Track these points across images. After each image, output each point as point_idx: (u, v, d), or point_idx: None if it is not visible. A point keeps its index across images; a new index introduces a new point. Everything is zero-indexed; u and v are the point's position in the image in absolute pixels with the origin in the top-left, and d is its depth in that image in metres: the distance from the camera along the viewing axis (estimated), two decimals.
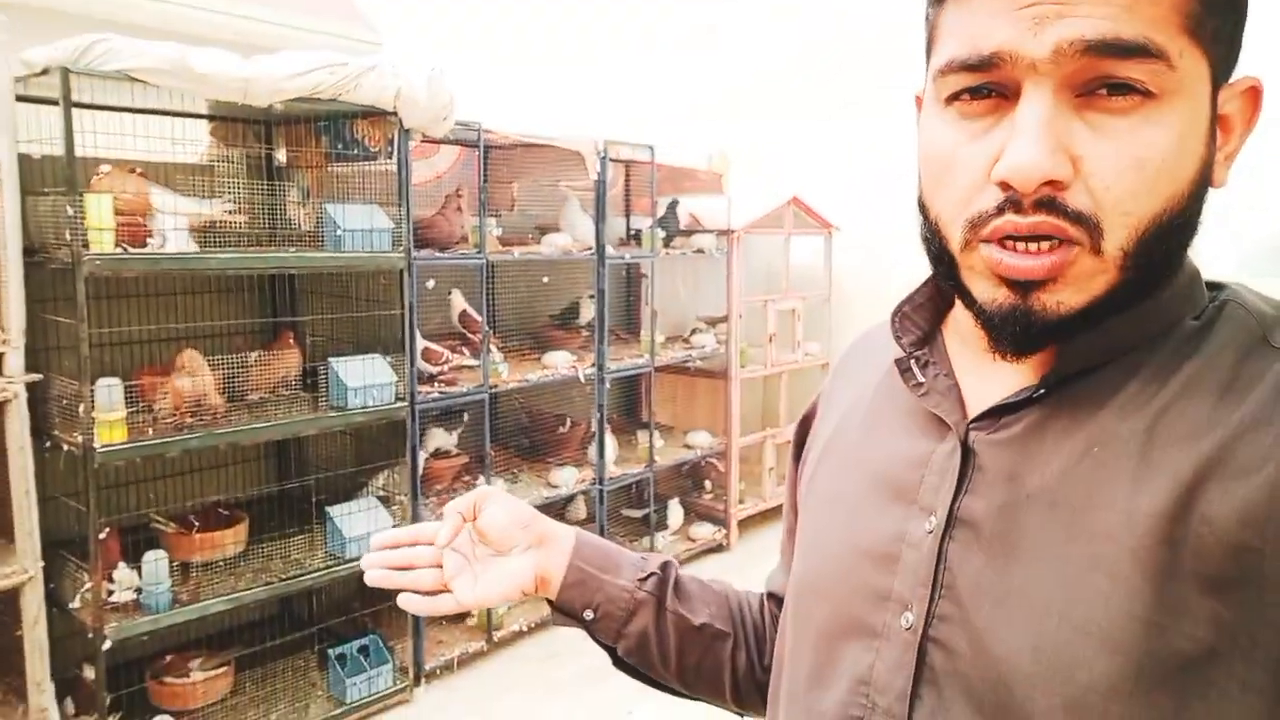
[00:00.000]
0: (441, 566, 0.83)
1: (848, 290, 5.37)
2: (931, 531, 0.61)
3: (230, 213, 2.88)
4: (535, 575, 0.84)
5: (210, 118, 3.22)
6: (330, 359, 3.00)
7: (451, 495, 3.73)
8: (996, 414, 0.61)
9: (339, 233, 2.92)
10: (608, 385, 4.04)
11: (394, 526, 3.18)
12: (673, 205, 4.44)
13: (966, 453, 0.61)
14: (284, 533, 3.05)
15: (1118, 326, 0.57)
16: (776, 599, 0.88)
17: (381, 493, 3.37)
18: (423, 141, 3.32)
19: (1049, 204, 0.52)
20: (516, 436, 4.23)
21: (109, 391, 2.43)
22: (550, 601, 0.86)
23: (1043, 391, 0.58)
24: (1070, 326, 0.55)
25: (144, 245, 2.55)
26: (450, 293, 3.59)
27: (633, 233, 4.65)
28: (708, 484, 4.91)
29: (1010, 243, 0.54)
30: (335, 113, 3.09)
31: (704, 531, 4.63)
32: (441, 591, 0.83)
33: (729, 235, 4.61)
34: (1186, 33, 0.51)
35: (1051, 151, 0.51)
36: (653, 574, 0.85)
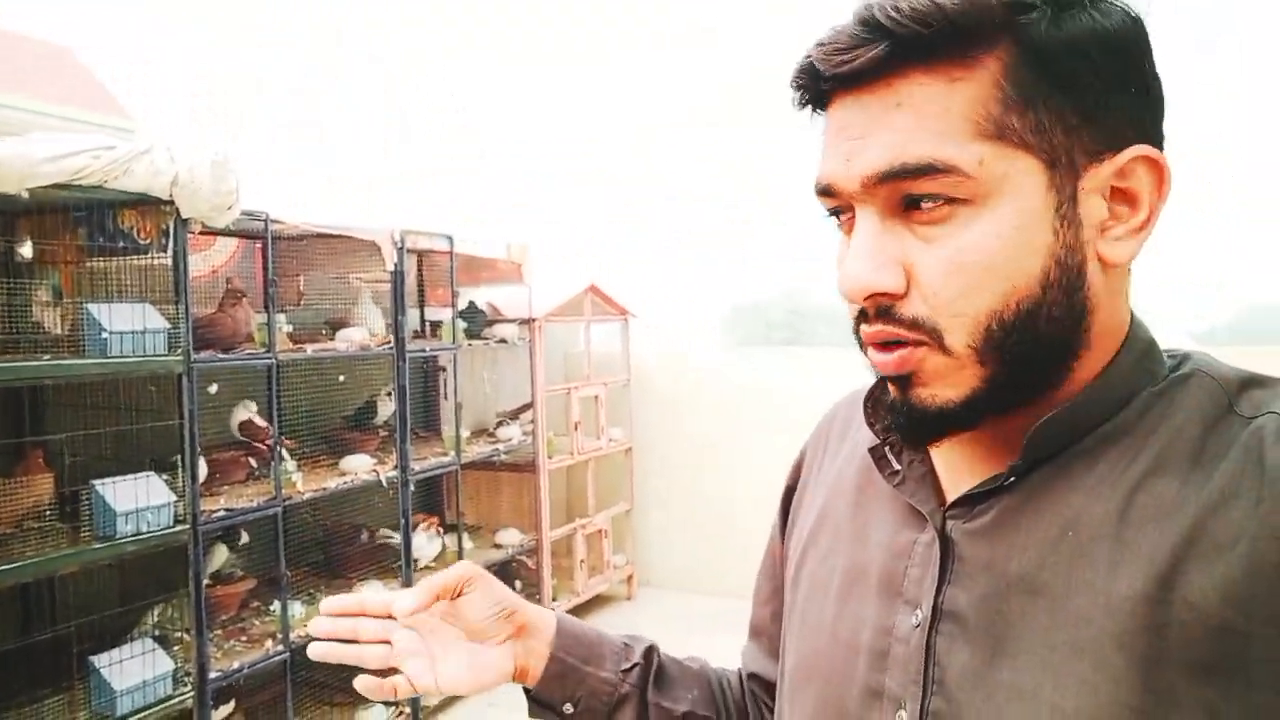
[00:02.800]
0: (389, 643, 0.78)
1: (646, 373, 5.42)
2: (919, 625, 0.60)
3: None
4: (515, 666, 0.80)
5: None
6: (93, 481, 2.59)
7: (240, 626, 3.31)
8: (970, 502, 0.60)
9: (104, 335, 2.56)
10: (412, 488, 3.79)
11: (174, 669, 2.76)
12: (471, 302, 4.32)
13: (946, 542, 0.60)
14: (34, 695, 2.55)
15: (1073, 409, 0.57)
16: (758, 680, 0.87)
17: (157, 632, 2.92)
18: (200, 233, 3.02)
19: (886, 312, 0.56)
20: (310, 551, 3.84)
21: None
22: (527, 691, 0.82)
23: (1012, 479, 0.58)
24: (961, 417, 0.57)
25: None
26: (240, 403, 3.24)
27: (429, 324, 4.46)
28: (518, 584, 4.69)
29: (876, 344, 0.58)
30: (96, 201, 2.73)
31: None
32: (390, 671, 0.78)
33: (530, 324, 4.53)
34: (986, 137, 0.53)
35: (874, 268, 0.55)
36: (636, 664, 0.83)
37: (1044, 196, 0.54)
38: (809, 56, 0.57)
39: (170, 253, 2.80)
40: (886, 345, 0.57)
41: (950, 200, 0.54)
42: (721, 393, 5.25)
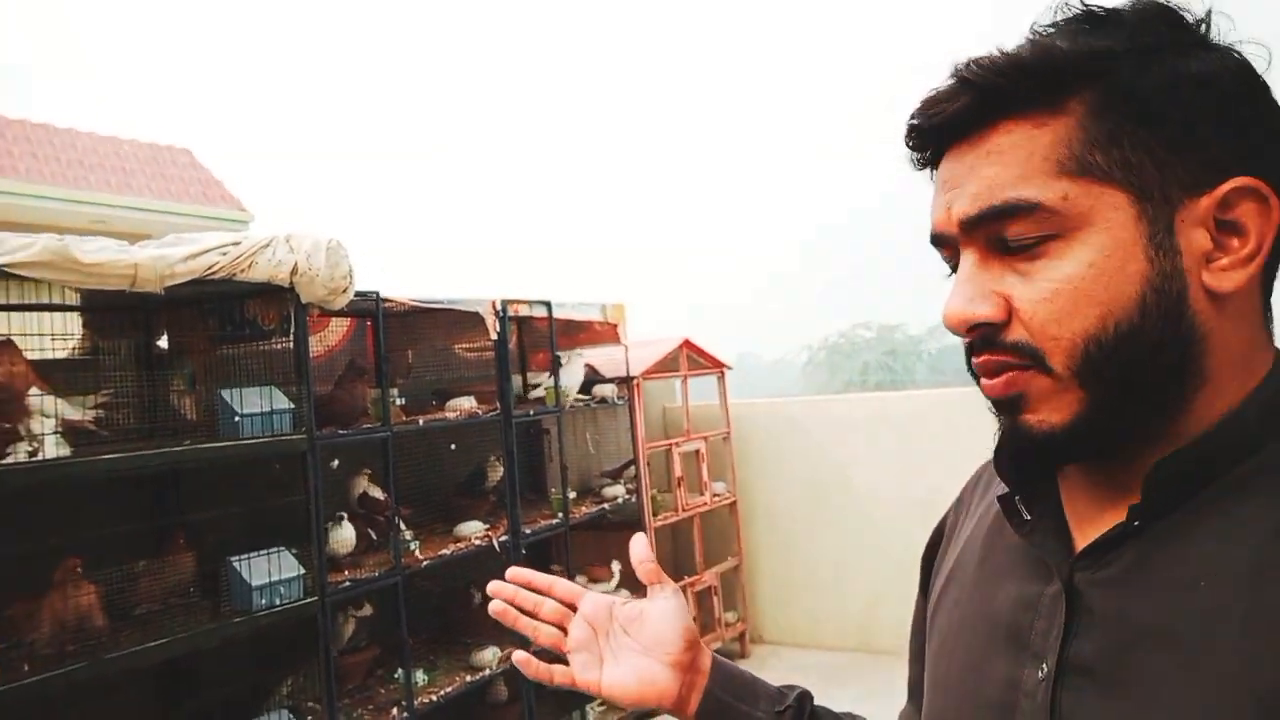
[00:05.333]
0: (565, 630, 0.82)
1: (745, 426, 5.41)
2: (1044, 680, 0.59)
3: (103, 406, 2.64)
4: (679, 693, 0.81)
5: (81, 309, 2.99)
6: (229, 558, 2.72)
7: (366, 695, 3.39)
8: (1098, 551, 0.59)
9: (236, 419, 2.71)
10: (524, 552, 3.85)
11: None
12: (577, 355, 4.42)
13: (1073, 594, 0.60)
14: None
15: (1195, 447, 0.56)
16: None
17: (290, 703, 3.03)
18: (318, 316, 3.18)
19: (990, 341, 0.59)
20: (427, 618, 3.93)
21: None
22: None
23: (1137, 525, 0.57)
24: (1066, 445, 0.58)
25: (6, 454, 2.28)
26: (360, 473, 3.37)
27: (532, 388, 4.56)
28: None
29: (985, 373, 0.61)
30: (224, 293, 2.92)
31: None
32: (557, 660, 0.81)
33: (629, 383, 4.59)
34: (1069, 174, 0.56)
35: (969, 300, 0.59)
36: (789, 708, 0.83)
37: (1134, 227, 0.55)
38: (913, 116, 0.62)
39: (292, 336, 2.96)
40: (994, 372, 0.60)
41: (1042, 238, 0.56)
42: (822, 439, 5.19)
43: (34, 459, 2.27)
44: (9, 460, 2.26)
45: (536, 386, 4.23)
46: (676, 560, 5.20)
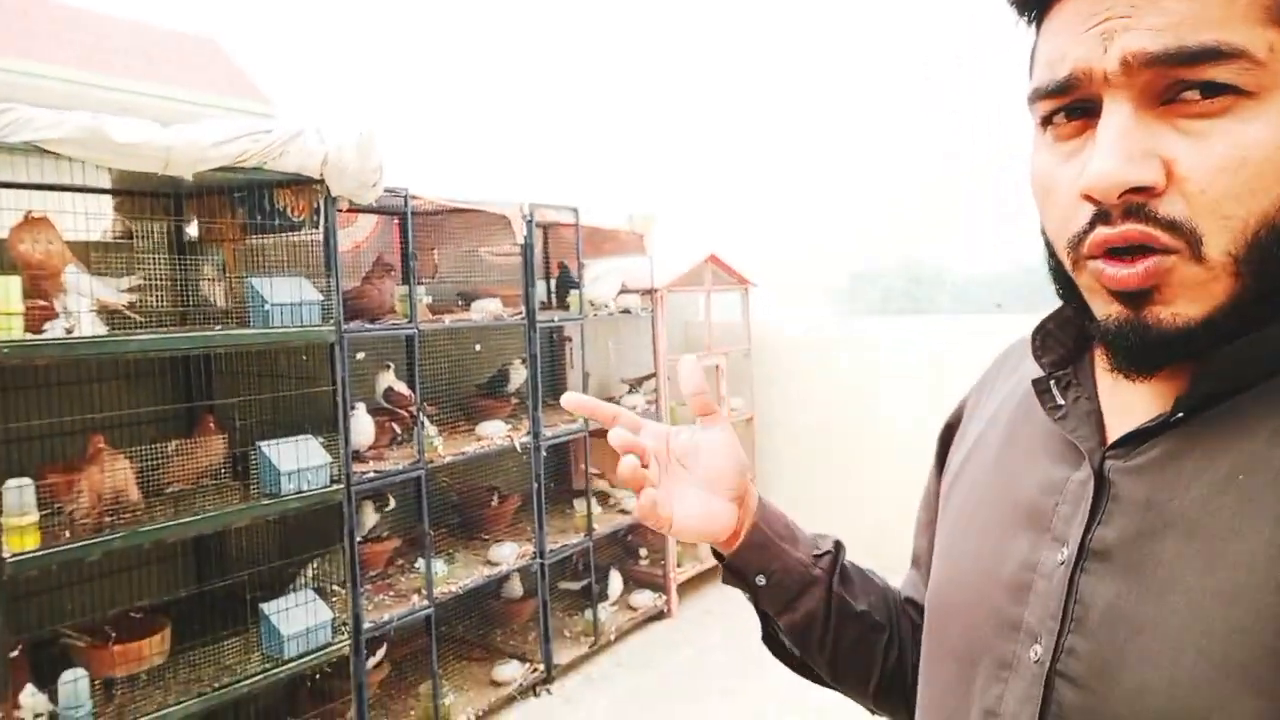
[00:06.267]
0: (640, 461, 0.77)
1: (767, 344, 5.41)
2: (1063, 563, 0.58)
3: (136, 290, 2.67)
4: (735, 524, 0.80)
5: (114, 192, 3.00)
6: (259, 443, 2.78)
7: (387, 582, 3.51)
8: (1134, 440, 0.58)
9: (267, 307, 2.74)
10: (544, 454, 3.91)
11: (333, 619, 2.95)
12: (615, 270, 4.42)
13: (1102, 481, 0.58)
14: (213, 636, 2.78)
15: (1257, 345, 0.53)
16: (914, 605, 0.87)
17: (315, 584, 3.13)
18: (348, 210, 3.18)
19: (1137, 211, 0.51)
20: (447, 514, 4.03)
21: (19, 493, 2.17)
22: (722, 558, 0.83)
23: (1180, 416, 0.55)
24: (1195, 340, 0.53)
25: (44, 330, 2.32)
26: (384, 368, 3.42)
27: (554, 294, 4.57)
28: (643, 550, 4.79)
29: (1111, 255, 0.53)
30: (254, 182, 2.92)
31: (644, 599, 4.50)
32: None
33: (653, 294, 4.59)
34: (1276, 25, 0.49)
35: (1128, 160, 0.50)
36: (828, 552, 0.83)
37: None
38: None
39: (321, 229, 2.96)
40: (1127, 256, 0.52)
41: (1231, 91, 0.49)
42: (841, 362, 5.20)
43: (71, 335, 2.31)
44: (47, 335, 2.30)
45: (574, 289, 4.21)
46: None
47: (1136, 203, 0.51)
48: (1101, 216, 0.52)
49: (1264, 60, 0.49)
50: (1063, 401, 0.64)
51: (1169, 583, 0.52)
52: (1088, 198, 0.53)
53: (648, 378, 4.76)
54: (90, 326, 2.33)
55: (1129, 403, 0.60)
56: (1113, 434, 0.60)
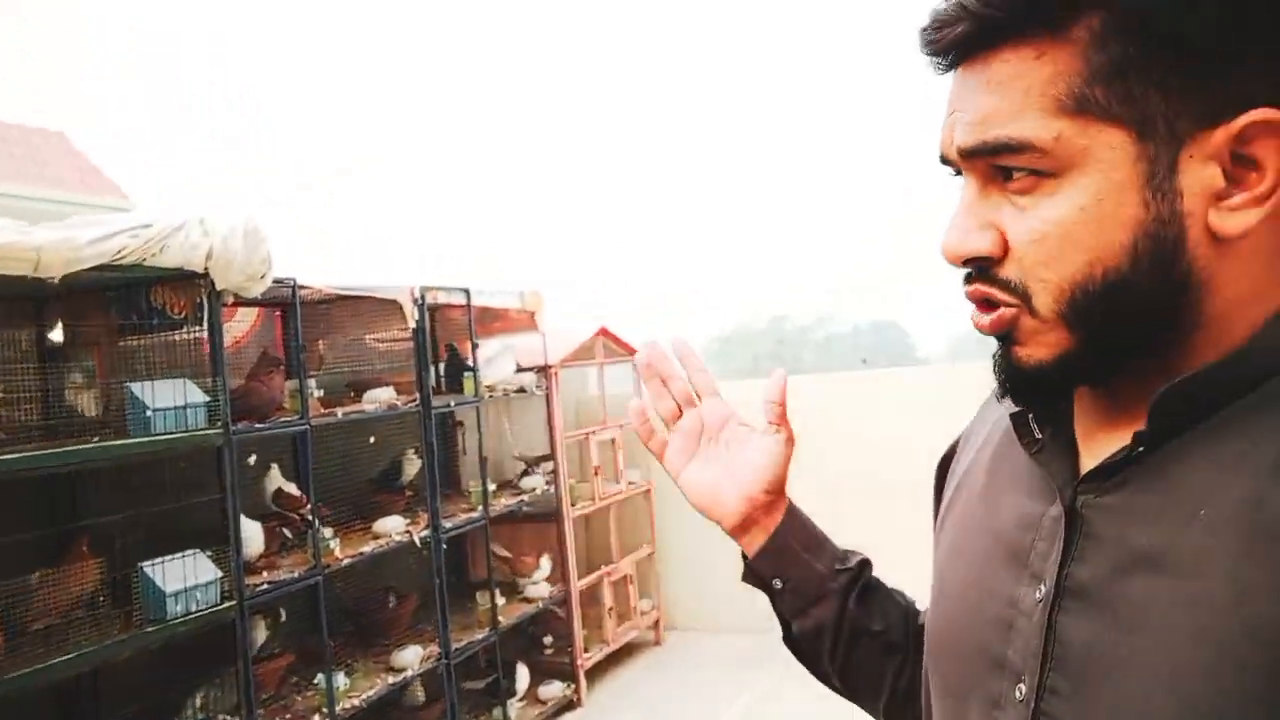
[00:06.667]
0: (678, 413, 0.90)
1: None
2: (1041, 601, 0.59)
3: None
4: (738, 522, 0.86)
5: None
6: (141, 564, 2.53)
7: (282, 704, 3.22)
8: (1102, 474, 0.58)
9: (148, 414, 2.52)
10: (445, 546, 3.74)
11: None
12: (507, 349, 4.33)
13: (1074, 517, 0.59)
14: None
15: (1197, 379, 0.54)
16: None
17: (201, 716, 2.85)
18: (233, 304, 2.99)
19: (983, 273, 0.59)
20: (342, 621, 3.77)
21: None
22: (745, 556, 0.88)
23: (1141, 450, 0.56)
24: (1050, 377, 0.59)
25: None
26: (269, 468, 3.19)
27: (444, 378, 4.42)
28: (548, 638, 4.63)
29: (978, 304, 0.61)
30: (128, 280, 2.70)
31: (553, 690, 4.33)
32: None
33: (547, 371, 4.51)
34: (1065, 112, 0.53)
35: (966, 232, 0.58)
36: (849, 569, 0.86)
37: (1131, 168, 0.53)
38: (923, 29, 0.59)
39: (206, 325, 2.77)
40: (986, 305, 0.59)
41: (1035, 172, 0.55)
42: None
43: None
44: None
45: (467, 371, 4.08)
46: (591, 550, 5.16)
47: (981, 265, 0.59)
48: (966, 276, 0.61)
49: (1050, 149, 0.54)
50: (1040, 435, 0.64)
51: (1140, 621, 0.53)
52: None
53: (544, 458, 4.65)
54: None
55: (1099, 435, 0.61)
56: (1086, 466, 0.61)
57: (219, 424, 2.72)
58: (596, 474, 4.74)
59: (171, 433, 2.56)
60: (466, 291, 4.03)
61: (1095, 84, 0.52)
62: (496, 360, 4.31)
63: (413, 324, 3.70)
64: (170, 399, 2.60)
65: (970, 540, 0.70)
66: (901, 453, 4.11)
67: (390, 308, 3.71)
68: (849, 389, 5.14)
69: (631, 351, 5.18)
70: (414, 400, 3.71)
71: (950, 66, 0.60)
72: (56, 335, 2.78)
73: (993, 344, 0.64)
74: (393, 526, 3.55)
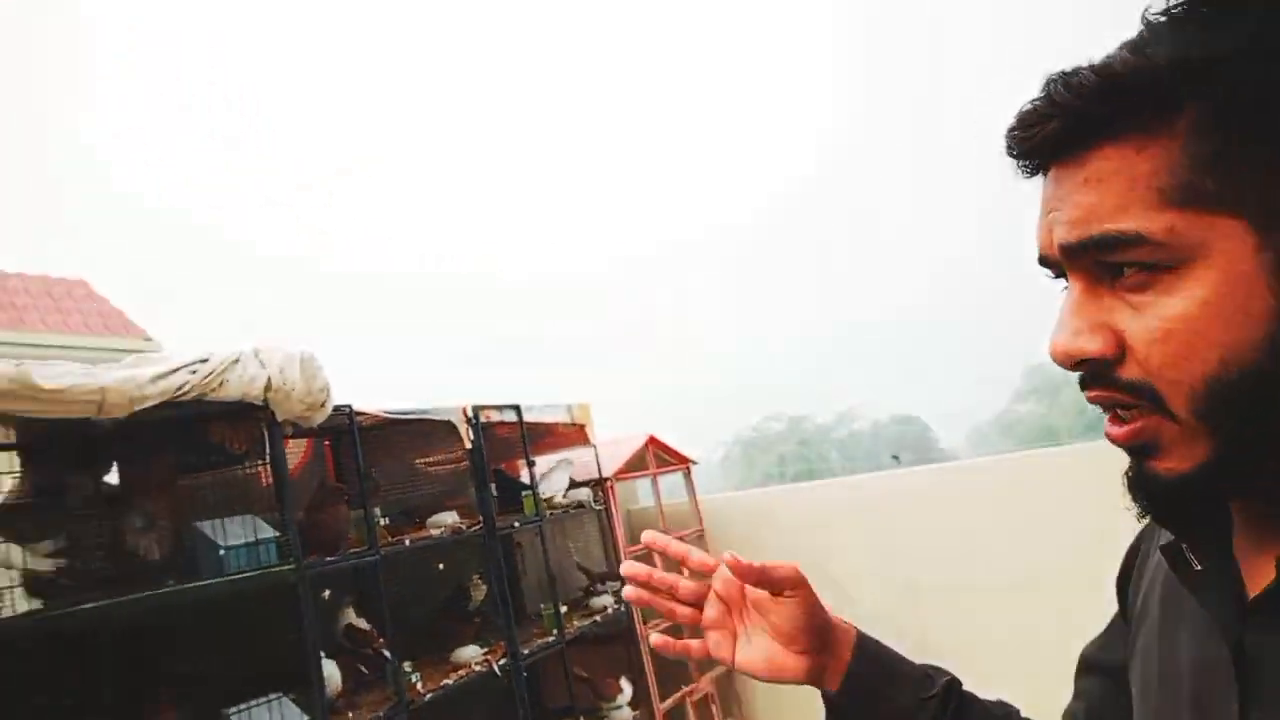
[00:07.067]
0: (700, 608, 0.84)
1: (717, 521, 5.23)
2: None
3: (58, 554, 2.31)
4: (808, 676, 0.81)
5: (14, 447, 2.65)
6: (226, 711, 2.37)
7: None
8: (1268, 605, 0.54)
9: (221, 553, 2.41)
10: (525, 674, 3.53)
11: None
12: (564, 463, 4.23)
13: (1243, 658, 0.55)
14: None
15: None
16: None
17: None
18: (292, 436, 2.92)
19: (1101, 377, 0.55)
20: None
21: None
22: (825, 697, 0.83)
23: None
24: (1194, 492, 0.53)
25: None
26: (343, 602, 3.05)
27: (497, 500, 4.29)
28: None
29: (1111, 413, 0.56)
30: (186, 417, 2.64)
31: None
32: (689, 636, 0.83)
33: (603, 485, 4.39)
34: (1175, 205, 0.50)
35: (1075, 333, 0.54)
36: (935, 695, 0.81)
37: (1254, 259, 0.49)
38: (1011, 128, 0.57)
39: (269, 458, 2.69)
40: (1119, 416, 0.55)
41: (1148, 267, 0.51)
42: (795, 527, 5.05)
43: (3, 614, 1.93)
44: None
45: (522, 490, 3.97)
46: (669, 669, 4.89)
47: (1097, 370, 0.55)
48: (1081, 381, 0.56)
49: (1165, 241, 0.50)
50: (1199, 566, 0.59)
51: None
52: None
53: (608, 575, 4.47)
54: (24, 601, 1.96)
55: (1259, 559, 0.56)
56: (1252, 594, 0.56)
57: (291, 560, 2.60)
58: None
59: (245, 572, 2.45)
60: (518, 408, 3.96)
61: (1202, 174, 0.50)
62: (551, 477, 4.20)
63: (469, 444, 3.62)
64: (241, 536, 2.49)
65: (1156, 681, 0.65)
66: (971, 550, 3.95)
67: (443, 429, 3.63)
68: (936, 483, 4.96)
69: (680, 459, 5.06)
70: (477, 523, 3.58)
71: (1038, 169, 0.57)
72: (113, 478, 2.70)
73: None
74: (470, 655, 3.37)
